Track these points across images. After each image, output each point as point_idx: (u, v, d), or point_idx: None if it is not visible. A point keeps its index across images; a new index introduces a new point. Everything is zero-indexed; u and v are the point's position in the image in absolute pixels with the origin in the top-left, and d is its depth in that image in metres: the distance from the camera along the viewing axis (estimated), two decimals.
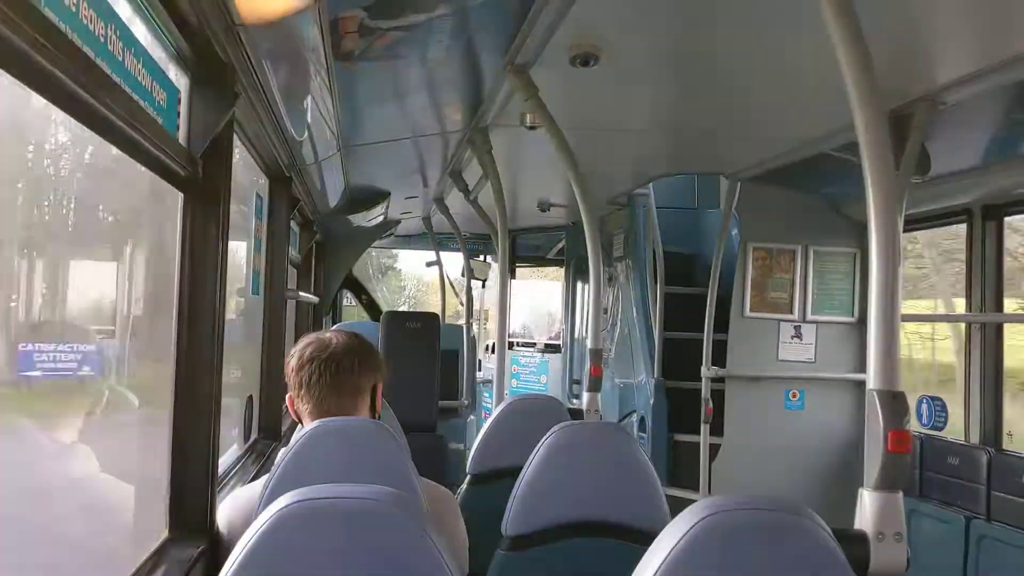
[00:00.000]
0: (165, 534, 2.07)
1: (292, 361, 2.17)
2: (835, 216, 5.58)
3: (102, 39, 1.48)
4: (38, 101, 1.39)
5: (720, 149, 4.83)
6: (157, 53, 1.87)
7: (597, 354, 3.78)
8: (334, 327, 7.60)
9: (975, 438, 4.63)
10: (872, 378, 1.83)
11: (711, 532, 1.32)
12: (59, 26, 1.27)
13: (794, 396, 5.59)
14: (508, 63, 3.16)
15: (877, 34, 1.94)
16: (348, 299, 9.49)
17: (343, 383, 2.14)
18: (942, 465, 4.73)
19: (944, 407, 4.87)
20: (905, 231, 4.65)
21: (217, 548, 2.05)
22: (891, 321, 1.83)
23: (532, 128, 3.55)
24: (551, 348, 9.25)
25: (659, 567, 1.31)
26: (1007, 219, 4.66)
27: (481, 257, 9.65)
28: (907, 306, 6.18)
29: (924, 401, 4.94)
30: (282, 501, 1.38)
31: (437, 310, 8.20)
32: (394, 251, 16.09)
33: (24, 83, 1.23)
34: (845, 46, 1.87)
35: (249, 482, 2.86)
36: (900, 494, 1.80)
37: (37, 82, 1.26)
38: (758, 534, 1.32)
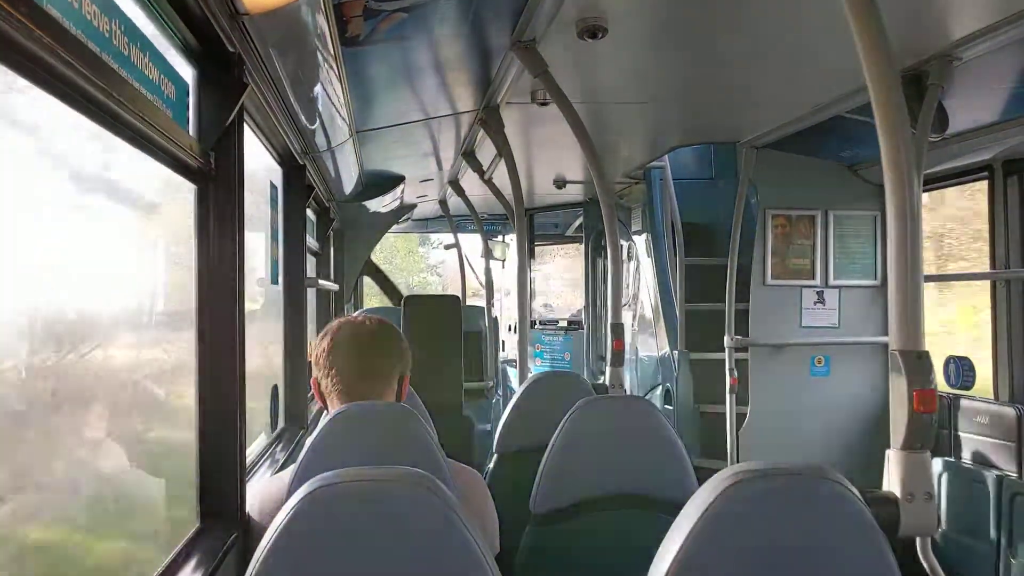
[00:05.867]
0: (196, 524, 2.09)
1: (323, 343, 2.14)
2: (854, 179, 5.51)
3: (107, 34, 1.48)
4: None
5: (734, 117, 4.79)
6: (163, 46, 1.87)
7: (618, 328, 3.77)
8: (357, 312, 7.62)
9: (1004, 396, 4.59)
10: (895, 339, 1.81)
11: (737, 499, 1.31)
12: (62, 23, 1.27)
13: (819, 362, 5.55)
14: (515, 40, 3.14)
15: None
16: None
17: (376, 367, 2.13)
18: (972, 425, 4.69)
19: (972, 367, 4.82)
20: (925, 190, 4.59)
21: (249, 536, 2.06)
22: (912, 282, 1.80)
23: (543, 105, 3.55)
24: (574, 325, 9.24)
25: (687, 536, 1.30)
26: None
27: (499, 237, 9.64)
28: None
29: (951, 362, 4.89)
30: (310, 485, 1.39)
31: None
32: None
33: (31, 81, 1.23)
34: (855, 5, 1.83)
35: (278, 470, 2.89)
36: (928, 454, 1.77)
37: (43, 80, 1.26)
38: (784, 499, 1.32)
